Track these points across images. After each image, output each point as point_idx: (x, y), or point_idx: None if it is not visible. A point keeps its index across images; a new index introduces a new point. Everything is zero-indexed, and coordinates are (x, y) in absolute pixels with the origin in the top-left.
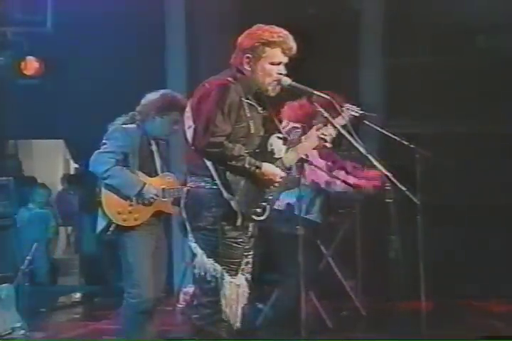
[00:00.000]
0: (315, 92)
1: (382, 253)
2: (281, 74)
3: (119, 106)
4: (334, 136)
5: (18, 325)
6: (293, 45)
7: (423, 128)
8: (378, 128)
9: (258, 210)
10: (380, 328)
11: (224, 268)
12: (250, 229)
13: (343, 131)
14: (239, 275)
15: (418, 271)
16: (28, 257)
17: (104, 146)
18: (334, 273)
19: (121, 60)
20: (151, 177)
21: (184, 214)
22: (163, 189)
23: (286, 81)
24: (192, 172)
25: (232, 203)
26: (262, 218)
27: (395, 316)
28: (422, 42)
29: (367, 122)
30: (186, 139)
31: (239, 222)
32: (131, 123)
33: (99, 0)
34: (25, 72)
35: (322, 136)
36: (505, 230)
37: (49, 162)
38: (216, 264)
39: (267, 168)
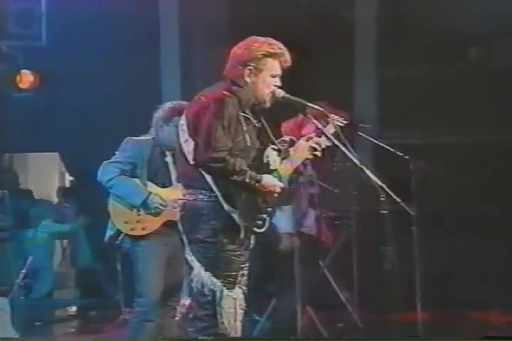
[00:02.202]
0: (308, 104)
1: (378, 264)
2: (277, 86)
3: (114, 118)
4: (324, 146)
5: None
6: (289, 57)
7: (418, 139)
8: (373, 140)
9: (259, 222)
10: (376, 339)
11: (222, 282)
12: (252, 241)
13: (337, 143)
14: (236, 288)
15: (414, 282)
16: (23, 271)
17: (114, 157)
18: (330, 284)
19: (116, 73)
20: (166, 187)
21: (181, 227)
22: (174, 199)
23: (280, 93)
24: (189, 185)
25: (234, 216)
26: (262, 230)
27: (391, 327)
28: (415, 53)
29: (361, 133)
30: (182, 152)
31: (242, 235)
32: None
33: (94, 13)
34: (20, 85)
35: (313, 146)
36: (501, 240)
37: (44, 175)
38: (214, 278)
39: (267, 180)
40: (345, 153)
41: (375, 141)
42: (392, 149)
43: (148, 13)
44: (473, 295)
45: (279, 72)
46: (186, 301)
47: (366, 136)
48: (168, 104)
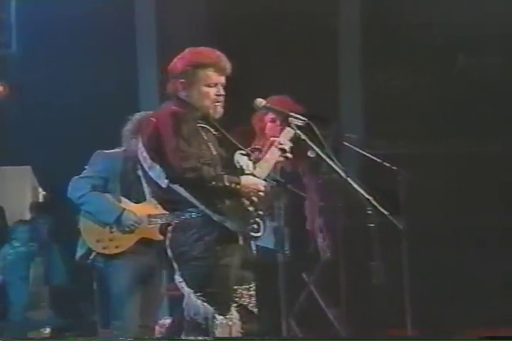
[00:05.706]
0: (290, 114)
1: (365, 279)
2: (220, 95)
3: (88, 131)
4: (291, 144)
5: None
6: (226, 64)
7: (406, 149)
8: (359, 150)
9: (254, 226)
10: None
11: (214, 306)
12: (253, 248)
13: (322, 154)
14: (232, 312)
15: (403, 298)
16: None
17: (84, 172)
18: (317, 301)
19: (90, 83)
20: (140, 203)
21: (170, 253)
22: (148, 215)
23: (261, 102)
24: (171, 209)
25: (227, 224)
26: (259, 234)
27: None
28: (403, 61)
29: (347, 144)
30: (152, 179)
31: (241, 241)
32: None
33: (66, 20)
34: None
35: (280, 147)
36: (491, 254)
37: (16, 189)
38: (205, 303)
39: (247, 180)
40: (330, 165)
41: (362, 152)
42: (379, 159)
43: (123, 19)
44: (464, 311)
45: (216, 80)
46: (166, 321)
47: (352, 146)
48: (136, 116)
